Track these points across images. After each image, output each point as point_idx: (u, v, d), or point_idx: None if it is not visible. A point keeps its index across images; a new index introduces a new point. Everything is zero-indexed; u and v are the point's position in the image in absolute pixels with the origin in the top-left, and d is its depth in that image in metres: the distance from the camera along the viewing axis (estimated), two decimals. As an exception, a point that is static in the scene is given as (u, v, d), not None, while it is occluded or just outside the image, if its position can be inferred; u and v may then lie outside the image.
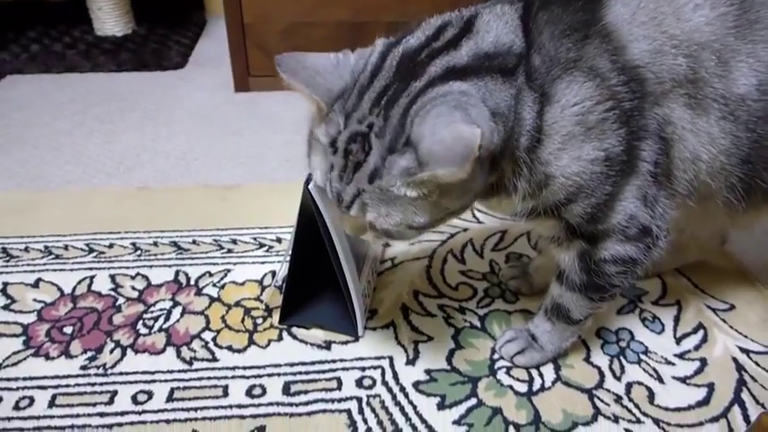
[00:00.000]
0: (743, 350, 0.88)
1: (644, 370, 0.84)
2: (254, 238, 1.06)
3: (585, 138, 0.61)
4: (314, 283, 0.89)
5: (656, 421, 0.76)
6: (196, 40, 1.95)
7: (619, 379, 0.82)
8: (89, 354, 0.83)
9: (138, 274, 0.98)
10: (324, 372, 0.81)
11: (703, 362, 0.85)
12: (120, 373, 0.80)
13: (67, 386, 0.78)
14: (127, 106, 1.54)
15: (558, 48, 0.60)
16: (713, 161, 0.64)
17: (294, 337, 0.86)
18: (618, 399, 0.79)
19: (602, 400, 0.78)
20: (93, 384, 0.79)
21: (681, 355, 0.86)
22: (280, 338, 0.86)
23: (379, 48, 0.63)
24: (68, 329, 0.87)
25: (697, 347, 0.88)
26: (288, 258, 0.80)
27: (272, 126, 1.45)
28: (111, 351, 0.84)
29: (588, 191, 0.63)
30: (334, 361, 0.83)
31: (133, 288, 0.95)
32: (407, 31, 0.64)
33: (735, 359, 0.86)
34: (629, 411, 0.77)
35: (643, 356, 0.86)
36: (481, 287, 0.97)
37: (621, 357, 0.85)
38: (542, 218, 0.68)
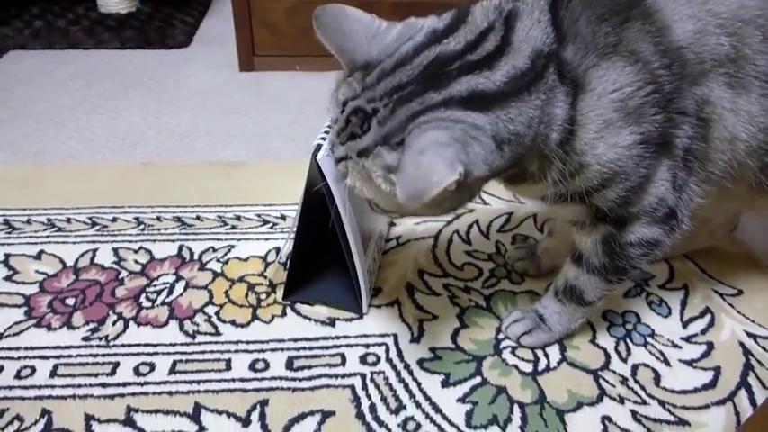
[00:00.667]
0: (750, 335, 0.87)
1: (650, 352, 0.83)
2: (258, 215, 1.05)
3: (623, 124, 0.59)
4: (318, 260, 0.88)
5: (662, 403, 0.76)
6: (201, 18, 1.93)
7: (625, 361, 0.81)
8: (91, 325, 0.82)
9: (141, 248, 0.97)
10: (327, 348, 0.81)
11: (710, 345, 0.85)
12: (123, 345, 0.80)
13: (69, 356, 0.78)
14: (131, 83, 1.52)
15: (597, 33, 0.57)
16: (752, 140, 0.63)
17: (298, 314, 0.86)
18: (624, 380, 0.78)
19: (607, 381, 0.78)
20: (96, 355, 0.78)
21: (687, 339, 0.86)
22: (283, 314, 0.85)
23: (419, 37, 0.58)
24: (71, 301, 0.86)
25: (704, 331, 0.87)
26: (293, 234, 0.79)
27: (276, 105, 1.44)
28: (114, 323, 0.83)
29: (624, 176, 0.62)
30: (338, 337, 0.82)
31: (136, 262, 0.94)
32: (457, 19, 0.59)
33: (741, 343, 0.85)
34: (635, 393, 0.77)
35: (649, 339, 0.85)
36: (487, 267, 0.96)
37: (628, 339, 0.85)
38: (570, 203, 0.66)
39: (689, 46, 0.58)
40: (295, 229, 0.79)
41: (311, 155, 0.69)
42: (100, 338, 0.81)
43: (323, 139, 0.70)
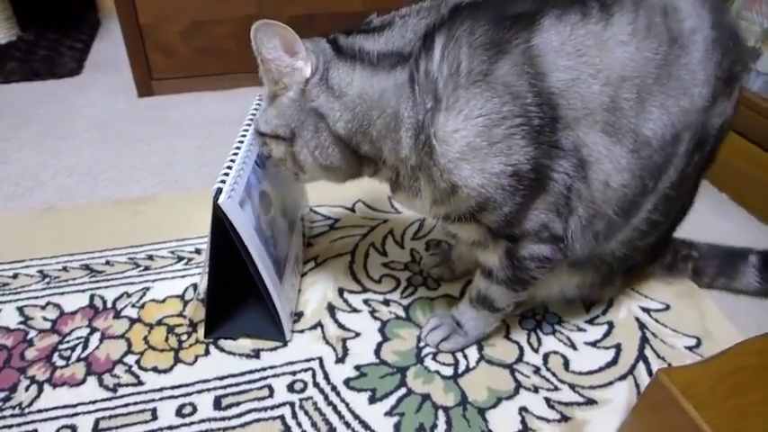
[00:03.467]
0: (644, 309, 0.96)
1: (558, 339, 0.90)
2: (172, 252, 1.03)
3: (490, 151, 0.61)
4: (237, 292, 0.88)
5: (572, 386, 0.82)
6: (90, 43, 1.84)
7: (536, 351, 0.87)
8: (2, 394, 0.79)
9: (48, 303, 0.93)
10: (254, 381, 0.81)
11: (610, 325, 0.93)
12: (39, 411, 0.77)
13: (-20, 432, 0.74)
14: (21, 121, 1.43)
15: (473, 59, 0.60)
16: (617, 189, 0.67)
17: (222, 350, 0.86)
18: (537, 370, 0.84)
19: (522, 373, 0.84)
20: (11, 426, 0.75)
21: (590, 321, 0.93)
22: (207, 353, 0.85)
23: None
24: (-25, 372, 0.82)
25: (604, 312, 0.95)
26: (207, 270, 0.79)
27: (181, 131, 1.41)
28: (27, 388, 0.80)
29: (496, 203, 0.65)
30: (264, 369, 0.83)
31: (45, 318, 0.90)
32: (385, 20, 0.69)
33: (637, 318, 0.94)
34: (547, 380, 0.83)
35: (557, 327, 0.92)
36: (404, 277, 0.99)
37: (538, 330, 0.91)
38: (460, 222, 0.70)
39: (560, 92, 0.61)
40: (208, 266, 0.79)
41: (212, 199, 0.69)
42: (13, 407, 0.77)
43: (222, 181, 0.70)
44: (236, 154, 0.75)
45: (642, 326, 0.93)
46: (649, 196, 0.70)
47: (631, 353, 0.88)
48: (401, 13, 0.68)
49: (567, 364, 0.86)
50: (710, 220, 1.15)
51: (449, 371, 0.84)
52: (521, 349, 0.88)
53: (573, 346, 0.89)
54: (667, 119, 0.64)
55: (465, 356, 0.86)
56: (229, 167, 0.73)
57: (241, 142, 0.78)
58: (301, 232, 1.00)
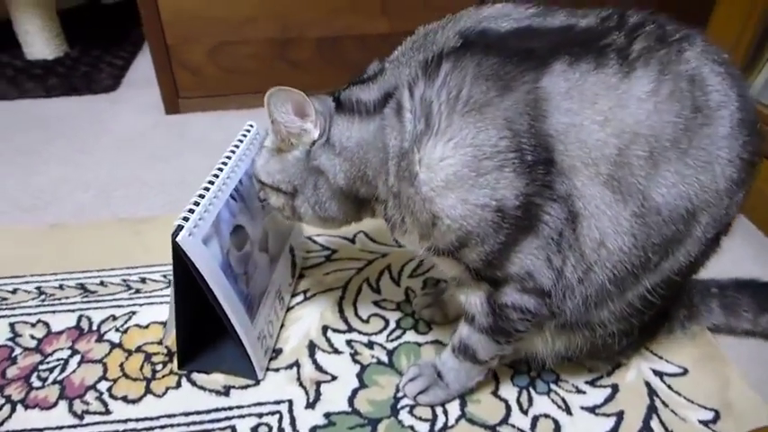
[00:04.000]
0: (656, 373, 0.86)
1: (552, 401, 0.82)
2: (165, 276, 1.02)
3: (476, 183, 0.59)
4: (214, 326, 0.86)
5: (559, 457, 0.74)
6: (131, 60, 1.90)
7: (525, 412, 0.80)
8: (-24, 412, 0.80)
9: (39, 321, 0.94)
10: (219, 420, 0.78)
11: (615, 388, 0.84)
12: (6, 433, 0.77)
13: (-53, 451, 0.75)
14: (52, 134, 1.49)
15: (474, 87, 0.58)
16: (615, 253, 0.61)
17: (193, 384, 0.83)
18: (522, 434, 0.77)
19: (504, 437, 0.77)
20: (-23, 446, 0.76)
21: (592, 382, 0.85)
22: (178, 385, 0.83)
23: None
24: (-44, 387, 0.83)
25: (609, 373, 0.86)
26: (173, 303, 0.77)
27: (198, 149, 1.42)
28: (1, 408, 0.80)
29: (478, 238, 0.61)
30: (231, 408, 0.80)
31: (32, 337, 0.91)
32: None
33: (647, 383, 0.85)
34: (532, 448, 0.75)
35: (553, 386, 0.84)
36: (393, 318, 0.94)
37: (531, 388, 0.83)
38: (446, 256, 0.67)
39: (557, 136, 0.58)
40: (174, 301, 0.77)
41: (171, 236, 0.67)
42: (-16, 427, 0.78)
43: (185, 218, 0.68)
44: (207, 189, 0.74)
45: (652, 392, 0.83)
46: (651, 274, 0.64)
47: (635, 423, 0.79)
48: (391, 58, 0.68)
49: (558, 430, 0.78)
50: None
51: (424, 427, 0.78)
52: (508, 409, 0.80)
53: (568, 411, 0.80)
54: (684, 190, 0.59)
55: (445, 412, 0.80)
56: (197, 203, 0.71)
57: (216, 176, 0.76)
58: (291, 263, 0.97)
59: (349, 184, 0.69)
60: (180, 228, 0.67)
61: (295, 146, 0.70)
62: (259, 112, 0.69)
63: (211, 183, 0.75)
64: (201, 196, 0.72)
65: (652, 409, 0.81)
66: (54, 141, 1.46)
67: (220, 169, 0.78)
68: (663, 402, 0.82)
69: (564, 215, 0.60)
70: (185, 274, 0.70)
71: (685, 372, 0.86)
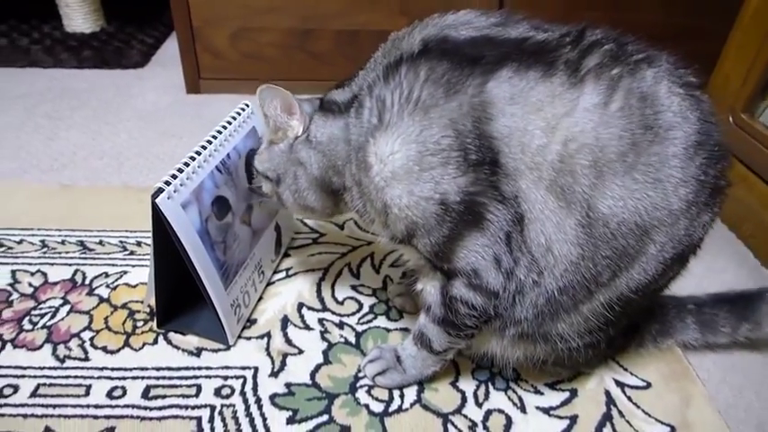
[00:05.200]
0: (618, 383, 0.87)
1: (509, 398, 0.83)
2: (159, 242, 1.08)
3: (420, 176, 0.63)
4: (194, 290, 0.90)
5: (504, 451, 0.76)
6: (163, 39, 1.98)
7: (480, 405, 0.82)
8: (-31, 346, 0.86)
9: (38, 270, 1.00)
10: (187, 378, 0.83)
11: (573, 393, 0.85)
12: (-7, 367, 0.83)
13: (-63, 377, 0.81)
14: (78, 104, 1.57)
15: (424, 90, 0.62)
16: (559, 261, 0.63)
17: (169, 342, 0.88)
18: (472, 426, 0.79)
19: (455, 426, 0.79)
20: (-35, 376, 0.82)
21: (552, 384, 0.86)
22: (155, 342, 0.88)
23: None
24: (-46, 322, 0.90)
25: (570, 378, 0.87)
26: (151, 265, 0.82)
27: (211, 128, 1.47)
28: (-8, 345, 0.87)
29: (423, 229, 0.66)
30: (200, 368, 0.84)
31: (30, 284, 0.97)
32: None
33: (608, 392, 0.85)
34: (479, 439, 0.77)
35: (512, 384, 0.85)
36: (368, 303, 0.97)
37: (490, 383, 0.85)
38: (401, 245, 0.72)
39: (502, 139, 0.60)
40: (153, 263, 0.81)
41: (151, 197, 0.71)
42: (-26, 359, 0.84)
43: (167, 182, 0.73)
44: (192, 158, 0.78)
45: (611, 401, 0.84)
46: (605, 288, 0.65)
47: (587, 428, 0.80)
48: (366, 65, 0.73)
49: (508, 426, 0.80)
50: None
51: (379, 407, 0.80)
52: (464, 400, 0.82)
53: (522, 409, 0.82)
54: (632, 204, 0.60)
55: (401, 396, 0.82)
56: (180, 170, 0.75)
57: (204, 147, 0.81)
58: (276, 241, 1.01)
59: (322, 174, 0.76)
60: (161, 190, 0.71)
61: (282, 139, 0.78)
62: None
63: (198, 153, 0.79)
64: (186, 164, 0.76)
65: (607, 417, 0.82)
66: (79, 110, 1.54)
67: (209, 141, 0.82)
68: (619, 412, 0.82)
69: (510, 216, 0.62)
70: (164, 237, 0.74)
71: (648, 385, 0.87)
